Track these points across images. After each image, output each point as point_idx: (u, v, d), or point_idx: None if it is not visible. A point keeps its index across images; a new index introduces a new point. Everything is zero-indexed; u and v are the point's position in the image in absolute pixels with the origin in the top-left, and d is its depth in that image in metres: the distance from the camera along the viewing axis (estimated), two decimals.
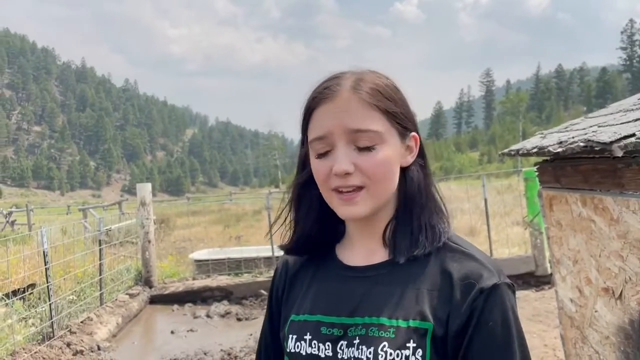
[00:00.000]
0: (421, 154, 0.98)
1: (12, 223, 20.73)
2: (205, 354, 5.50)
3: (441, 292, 0.87)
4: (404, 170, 0.95)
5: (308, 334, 0.93)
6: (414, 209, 0.94)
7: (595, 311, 2.07)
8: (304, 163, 1.00)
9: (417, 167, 0.96)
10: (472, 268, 0.88)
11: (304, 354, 0.92)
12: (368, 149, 0.88)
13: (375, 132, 0.89)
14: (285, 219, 1.04)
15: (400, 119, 0.93)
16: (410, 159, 0.95)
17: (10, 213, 21.58)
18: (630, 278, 1.75)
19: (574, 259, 2.24)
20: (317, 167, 0.92)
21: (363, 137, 0.88)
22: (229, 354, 5.44)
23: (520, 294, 6.74)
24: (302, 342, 0.93)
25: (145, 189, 8.26)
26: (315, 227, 1.01)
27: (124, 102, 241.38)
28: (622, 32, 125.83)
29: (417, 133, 0.97)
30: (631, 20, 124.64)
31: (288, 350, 0.95)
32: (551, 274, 7.00)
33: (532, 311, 5.95)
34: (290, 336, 0.96)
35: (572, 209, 2.18)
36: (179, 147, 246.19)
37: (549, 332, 5.16)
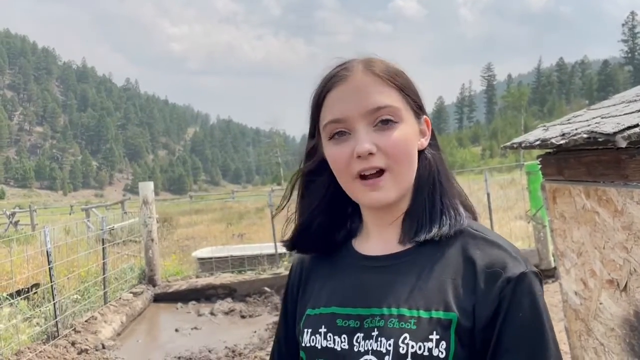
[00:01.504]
0: (433, 138, 0.96)
1: (16, 224, 20.78)
2: (209, 351, 5.51)
3: (464, 281, 0.83)
4: (418, 154, 0.92)
5: (323, 326, 0.90)
6: (430, 191, 0.92)
7: (600, 303, 2.06)
8: (309, 155, 0.97)
9: (432, 151, 0.95)
10: (496, 256, 0.84)
11: (319, 347, 0.89)
12: (387, 126, 0.86)
13: (394, 108, 0.87)
14: (285, 207, 1.01)
15: (415, 97, 0.92)
16: (425, 142, 0.94)
17: (13, 214, 21.65)
18: (635, 270, 1.74)
19: (578, 252, 2.23)
20: (335, 152, 0.88)
21: (382, 114, 0.86)
22: (233, 351, 5.45)
23: None
24: (317, 335, 0.90)
25: (147, 188, 8.27)
26: (320, 219, 0.98)
27: (125, 102, 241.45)
28: (623, 25, 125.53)
29: (428, 117, 0.96)
30: (632, 13, 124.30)
31: (303, 345, 0.92)
32: (555, 268, 6.99)
33: None
34: (306, 330, 0.92)
35: (576, 201, 2.17)
36: (181, 146, 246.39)
37: (553, 325, 5.16)
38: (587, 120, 2.00)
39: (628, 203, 1.72)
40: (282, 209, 1.01)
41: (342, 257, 0.98)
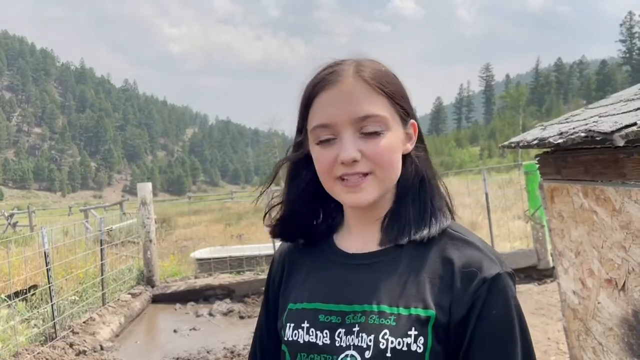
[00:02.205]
0: (420, 141, 0.98)
1: (14, 225, 20.75)
2: (208, 352, 5.50)
3: (442, 280, 0.87)
4: (404, 158, 0.95)
5: (306, 321, 0.92)
6: (414, 195, 0.94)
7: (599, 303, 2.06)
8: (296, 147, 0.99)
9: (417, 154, 0.97)
10: (473, 256, 0.88)
11: (301, 342, 0.91)
12: (374, 134, 0.88)
13: (382, 117, 0.88)
14: (263, 194, 1.04)
15: (403, 103, 0.93)
16: (410, 146, 0.96)
17: (11, 215, 21.62)
18: (633, 269, 1.73)
19: (576, 251, 2.23)
20: (320, 155, 0.91)
21: (369, 123, 0.88)
22: (231, 352, 5.44)
23: (522, 287, 6.73)
24: (300, 330, 0.92)
25: (146, 189, 8.25)
26: (305, 209, 1.01)
27: (123, 103, 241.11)
28: (621, 25, 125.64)
29: (416, 120, 0.97)
30: (630, 13, 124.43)
31: (286, 339, 0.94)
32: (553, 268, 6.98)
33: (534, 305, 5.94)
34: (288, 324, 0.95)
35: (574, 201, 2.16)
36: (180, 147, 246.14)
37: (552, 325, 5.16)
38: (584, 119, 2.00)
39: (626, 202, 1.71)
40: (263, 193, 1.04)
41: (323, 253, 1.00)
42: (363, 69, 0.90)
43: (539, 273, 7.15)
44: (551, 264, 6.96)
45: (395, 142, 0.90)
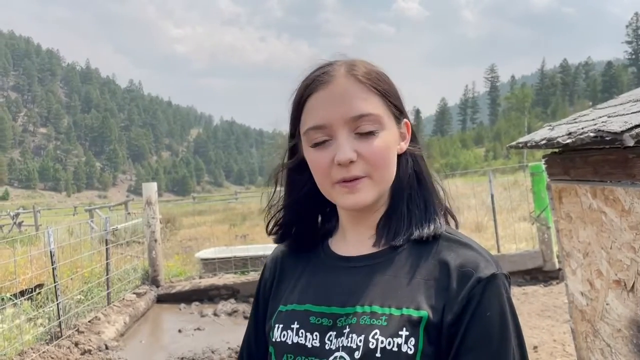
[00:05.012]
0: (415, 141, 0.97)
1: (19, 224, 20.85)
2: (212, 352, 5.50)
3: (438, 282, 0.85)
4: (398, 157, 0.93)
5: (295, 322, 0.91)
6: (411, 194, 0.93)
7: (607, 304, 2.04)
8: (291, 152, 0.99)
9: (411, 154, 0.96)
10: (468, 257, 0.86)
11: (290, 343, 0.90)
12: (369, 134, 0.87)
13: (376, 116, 0.87)
14: (269, 204, 1.03)
15: (396, 102, 0.92)
16: (404, 145, 0.94)
17: (17, 214, 21.73)
18: None
19: (585, 252, 2.21)
20: (316, 158, 0.89)
21: (364, 122, 0.87)
22: (236, 352, 5.44)
23: (528, 289, 6.70)
24: (289, 331, 0.91)
25: (151, 189, 8.26)
26: (306, 215, 1.01)
27: (128, 103, 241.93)
28: (627, 26, 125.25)
29: (409, 120, 0.96)
30: (636, 14, 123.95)
31: (273, 340, 0.93)
32: (559, 269, 6.95)
33: (540, 306, 5.91)
34: (277, 326, 0.93)
35: (582, 201, 2.15)
36: (184, 147, 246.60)
37: (558, 327, 5.13)
38: (593, 119, 1.99)
39: (635, 202, 1.70)
40: (270, 201, 1.04)
41: (317, 256, 0.99)
42: (355, 68, 0.89)
43: (544, 275, 7.12)
44: (557, 266, 6.93)
45: (390, 141, 0.89)
